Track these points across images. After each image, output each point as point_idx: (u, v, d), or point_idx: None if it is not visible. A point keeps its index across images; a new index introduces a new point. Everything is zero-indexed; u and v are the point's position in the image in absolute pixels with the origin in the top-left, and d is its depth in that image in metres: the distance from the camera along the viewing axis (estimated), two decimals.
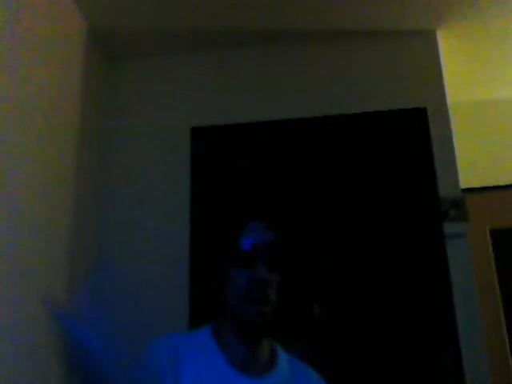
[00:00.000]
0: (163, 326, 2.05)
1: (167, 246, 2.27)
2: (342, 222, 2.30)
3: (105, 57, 2.61)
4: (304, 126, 2.45)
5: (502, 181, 2.95)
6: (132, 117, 2.58)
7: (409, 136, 2.39)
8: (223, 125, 2.48)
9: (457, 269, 2.18)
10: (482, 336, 2.12)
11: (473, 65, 2.82)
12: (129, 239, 2.38)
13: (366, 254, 2.24)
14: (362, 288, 2.21)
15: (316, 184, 2.36)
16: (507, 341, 2.73)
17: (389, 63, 2.53)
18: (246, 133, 2.48)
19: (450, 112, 2.44)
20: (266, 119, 2.47)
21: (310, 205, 2.33)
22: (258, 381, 1.00)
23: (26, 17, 1.87)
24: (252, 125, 2.47)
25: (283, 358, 1.09)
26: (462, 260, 2.20)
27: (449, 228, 2.23)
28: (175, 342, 1.02)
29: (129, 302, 2.24)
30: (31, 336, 1.79)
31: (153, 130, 2.55)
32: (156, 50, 2.61)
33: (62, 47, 2.17)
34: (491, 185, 2.95)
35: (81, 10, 2.31)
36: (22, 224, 1.77)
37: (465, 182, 2.42)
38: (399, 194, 2.31)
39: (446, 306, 2.14)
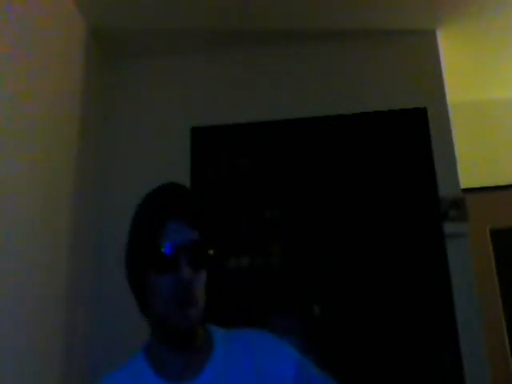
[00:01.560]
0: None
1: None
2: (342, 222, 2.30)
3: (105, 57, 2.61)
4: (304, 126, 2.45)
5: (502, 181, 2.95)
6: (132, 117, 2.58)
7: (409, 136, 2.39)
8: (223, 125, 2.48)
9: (457, 269, 2.18)
10: (482, 336, 2.12)
11: (473, 65, 2.82)
12: None
13: (366, 254, 2.24)
14: (362, 288, 2.21)
15: (316, 184, 2.36)
16: (507, 341, 2.73)
17: (389, 63, 2.53)
18: (245, 133, 2.48)
19: (450, 112, 2.44)
20: (265, 119, 2.47)
21: (310, 205, 2.33)
22: None
23: (26, 17, 1.87)
24: (252, 125, 2.47)
25: (220, 345, 1.02)
26: (462, 260, 2.20)
27: (449, 228, 2.23)
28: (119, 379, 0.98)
29: (130, 304, 2.24)
30: (31, 336, 1.79)
31: (153, 130, 2.55)
32: (156, 49, 2.61)
33: (62, 47, 2.17)
34: (491, 185, 2.95)
35: (81, 10, 2.31)
36: (21, 227, 1.77)
37: (465, 182, 2.42)
38: (399, 194, 2.31)
39: (446, 306, 2.14)
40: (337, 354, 2.11)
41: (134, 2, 2.27)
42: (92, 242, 2.34)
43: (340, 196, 2.33)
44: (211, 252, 0.98)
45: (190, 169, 2.41)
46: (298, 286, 2.23)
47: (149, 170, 2.48)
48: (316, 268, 2.24)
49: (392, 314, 2.16)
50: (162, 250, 0.93)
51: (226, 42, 2.57)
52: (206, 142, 2.47)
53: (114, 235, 2.38)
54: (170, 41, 2.56)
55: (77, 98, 2.30)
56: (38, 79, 1.94)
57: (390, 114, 2.42)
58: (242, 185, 2.40)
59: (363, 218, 2.29)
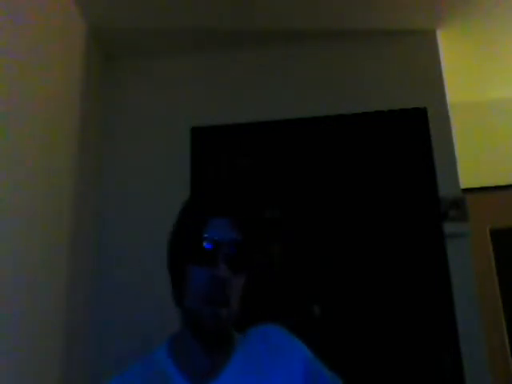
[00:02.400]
0: (165, 327, 2.04)
1: None
2: (342, 222, 2.30)
3: (105, 57, 2.61)
4: (304, 126, 2.45)
5: (502, 181, 2.95)
6: (132, 117, 2.58)
7: (409, 136, 2.39)
8: (223, 125, 2.48)
9: (457, 269, 2.18)
10: (482, 336, 2.12)
11: (473, 65, 2.82)
12: (129, 240, 2.38)
13: (366, 254, 2.24)
14: (362, 288, 2.21)
15: (316, 184, 2.36)
16: (507, 341, 2.73)
17: (389, 63, 2.53)
18: (245, 133, 2.48)
19: (450, 112, 2.44)
20: (265, 119, 2.47)
21: (310, 205, 2.33)
22: None
23: (26, 17, 1.87)
24: (252, 125, 2.47)
25: (239, 348, 1.01)
26: (462, 260, 2.20)
27: (449, 228, 2.23)
28: (130, 380, 0.96)
29: (130, 304, 2.24)
30: (31, 337, 1.79)
31: (153, 129, 2.55)
32: (156, 49, 2.61)
33: (62, 47, 2.17)
34: (491, 185, 2.95)
35: (81, 10, 2.31)
36: (20, 227, 1.77)
37: (465, 182, 2.42)
38: (399, 194, 2.31)
39: (446, 306, 2.14)
40: (337, 354, 2.11)
41: (133, 2, 2.27)
42: (92, 242, 2.34)
43: (340, 196, 2.33)
44: (253, 255, 0.98)
45: (189, 169, 2.41)
46: (298, 286, 2.23)
47: (149, 170, 2.48)
48: (316, 268, 2.24)
49: (392, 314, 2.16)
50: (203, 243, 0.93)
51: (226, 42, 2.57)
52: (206, 141, 2.47)
53: (114, 235, 2.39)
54: (170, 41, 2.56)
55: (77, 98, 2.30)
56: (38, 79, 1.94)
57: (390, 113, 2.42)
58: (242, 185, 2.39)
59: (363, 218, 2.29)
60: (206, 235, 0.94)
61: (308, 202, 2.34)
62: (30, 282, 1.80)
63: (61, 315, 2.02)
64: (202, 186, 1.12)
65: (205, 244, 0.93)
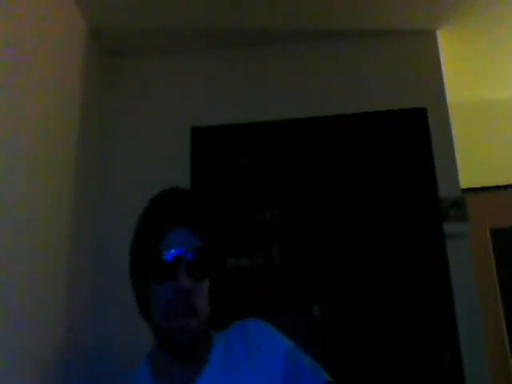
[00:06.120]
0: None
1: None
2: (342, 222, 2.29)
3: (105, 57, 2.61)
4: (304, 126, 2.45)
5: (502, 181, 2.96)
6: (132, 117, 2.58)
7: (409, 136, 2.39)
8: (223, 125, 2.48)
9: (457, 269, 2.19)
10: (482, 336, 2.12)
11: (473, 65, 2.82)
12: (129, 240, 2.37)
13: (366, 254, 2.24)
14: (362, 288, 2.21)
15: (316, 184, 2.36)
16: (507, 341, 2.73)
17: (389, 63, 2.53)
18: (245, 133, 2.48)
19: (450, 112, 2.44)
20: (265, 119, 2.47)
21: (310, 205, 2.33)
22: None
23: (26, 16, 1.87)
24: (252, 125, 2.47)
25: (217, 353, 0.99)
26: (462, 260, 2.20)
27: (449, 228, 2.23)
28: None
29: (129, 304, 2.24)
30: (31, 337, 1.79)
31: (153, 130, 2.55)
32: (156, 49, 2.61)
33: (61, 47, 2.17)
34: (491, 185, 2.95)
35: (81, 10, 2.31)
36: (20, 229, 1.76)
37: (465, 182, 2.42)
38: (399, 194, 2.31)
39: (446, 306, 2.14)
40: (337, 354, 2.11)
41: (133, 2, 2.27)
42: (92, 244, 2.34)
43: (340, 196, 2.33)
44: (215, 260, 0.96)
45: (189, 169, 2.41)
46: (298, 286, 2.23)
47: (149, 170, 2.48)
48: (316, 268, 2.24)
49: (392, 313, 2.16)
50: (162, 257, 0.91)
51: (226, 42, 2.57)
52: (206, 141, 2.47)
53: (113, 236, 2.39)
54: (169, 41, 2.56)
55: (77, 98, 2.30)
56: (38, 79, 1.94)
57: (390, 113, 2.42)
58: (241, 185, 2.39)
59: (363, 218, 2.29)
60: (163, 248, 0.92)
61: (308, 201, 2.34)
62: (30, 284, 1.80)
63: (61, 317, 2.02)
64: (156, 197, 1.08)
65: (163, 257, 0.91)
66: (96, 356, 2.19)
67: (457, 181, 2.32)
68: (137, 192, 2.45)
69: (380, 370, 2.09)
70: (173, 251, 0.91)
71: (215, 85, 2.59)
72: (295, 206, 2.34)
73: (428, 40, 2.54)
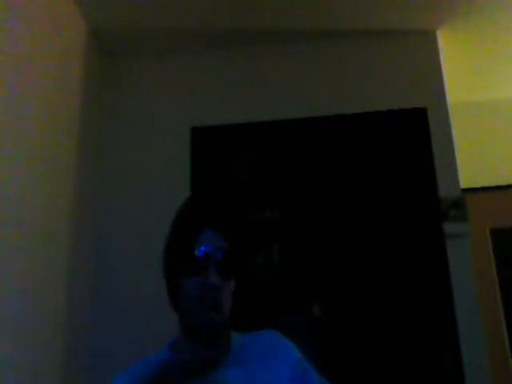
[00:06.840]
0: (166, 330, 2.04)
1: None
2: (342, 222, 2.30)
3: (105, 57, 2.61)
4: (304, 126, 2.45)
5: (502, 181, 2.95)
6: (132, 117, 2.58)
7: (409, 136, 2.39)
8: (223, 125, 2.48)
9: (457, 269, 2.19)
10: (482, 336, 2.12)
11: (473, 65, 2.82)
12: (129, 240, 2.38)
13: (366, 254, 2.24)
14: (362, 288, 2.21)
15: (316, 184, 2.36)
16: (507, 341, 2.73)
17: (389, 63, 2.53)
18: (245, 133, 2.48)
19: (450, 112, 2.44)
20: (265, 119, 2.47)
21: (310, 205, 2.33)
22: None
23: (26, 16, 1.87)
24: (252, 125, 2.47)
25: (235, 348, 1.07)
26: (462, 260, 2.20)
27: (449, 228, 2.23)
28: (134, 377, 1.01)
29: (129, 304, 2.24)
30: (31, 337, 1.79)
31: (153, 129, 2.55)
32: (156, 49, 2.61)
33: (61, 46, 2.17)
34: (491, 185, 2.95)
35: (81, 10, 2.31)
36: (20, 229, 1.76)
37: (465, 182, 2.42)
38: (399, 194, 2.31)
39: (446, 306, 2.14)
40: (337, 354, 2.11)
41: (133, 2, 2.27)
42: (92, 244, 2.34)
43: (340, 196, 2.33)
44: (241, 262, 1.04)
45: (189, 169, 2.41)
46: (298, 286, 2.23)
47: (149, 170, 2.48)
48: (316, 268, 2.24)
49: (392, 313, 2.16)
50: (195, 253, 0.99)
51: (226, 41, 2.57)
52: (206, 142, 2.47)
53: (113, 236, 2.39)
54: (169, 41, 2.56)
55: (77, 98, 2.30)
56: (38, 79, 1.94)
57: (390, 113, 2.42)
58: (241, 185, 2.39)
59: (363, 218, 2.29)
60: (197, 246, 0.99)
61: (308, 201, 2.34)
62: (30, 281, 1.80)
63: (60, 318, 2.02)
64: (193, 196, 1.17)
65: (197, 254, 0.99)
66: (96, 356, 2.19)
67: (457, 181, 2.32)
68: (137, 192, 2.47)
69: (380, 370, 2.09)
70: (203, 248, 0.99)
71: (215, 85, 2.59)
72: (295, 205, 2.34)
73: (428, 40, 2.54)
